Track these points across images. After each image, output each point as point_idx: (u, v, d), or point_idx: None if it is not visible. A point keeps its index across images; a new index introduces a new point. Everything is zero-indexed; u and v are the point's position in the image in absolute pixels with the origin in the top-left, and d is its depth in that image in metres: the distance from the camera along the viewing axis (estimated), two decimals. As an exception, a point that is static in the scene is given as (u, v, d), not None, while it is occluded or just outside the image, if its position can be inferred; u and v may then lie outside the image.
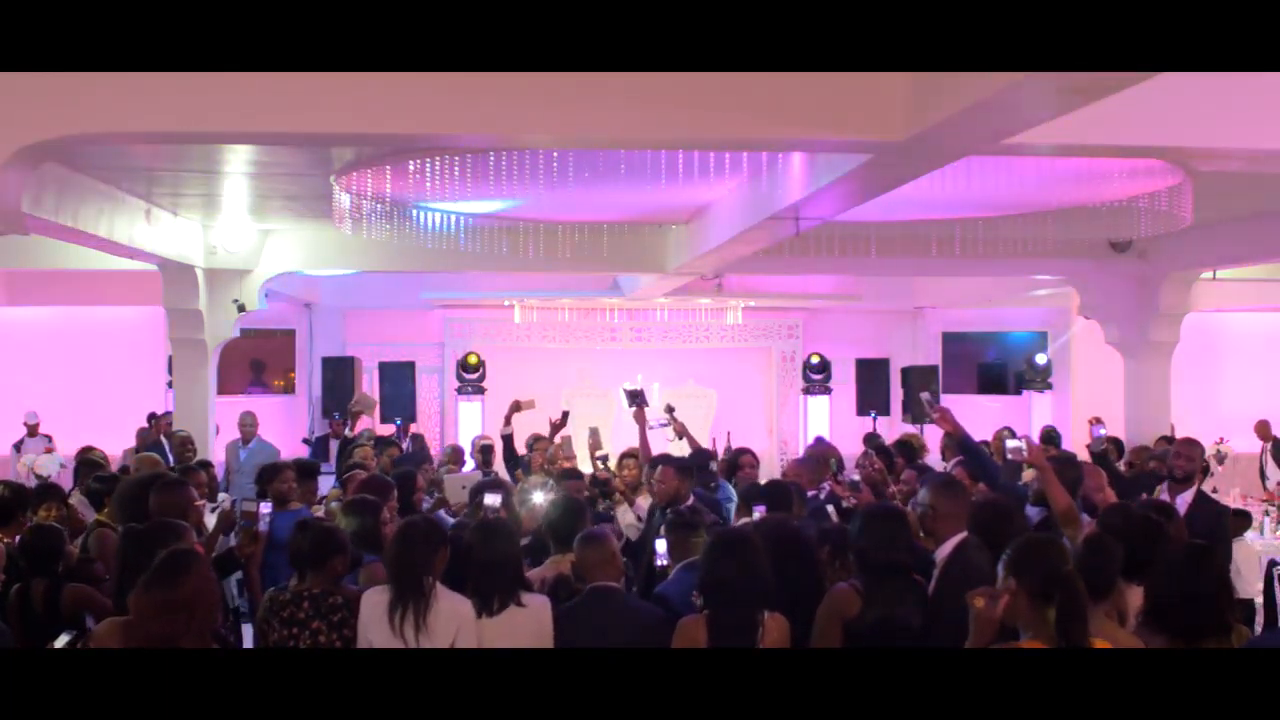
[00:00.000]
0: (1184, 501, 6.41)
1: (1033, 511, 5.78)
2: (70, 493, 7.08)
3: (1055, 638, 3.30)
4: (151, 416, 12.41)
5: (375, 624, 4.22)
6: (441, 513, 6.60)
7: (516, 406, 9.48)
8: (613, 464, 8.27)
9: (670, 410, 8.94)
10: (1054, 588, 3.34)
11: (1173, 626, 3.73)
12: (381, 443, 10.04)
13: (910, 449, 8.88)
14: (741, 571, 4.12)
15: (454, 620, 4.22)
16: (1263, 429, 12.84)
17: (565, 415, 10.06)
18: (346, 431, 8.28)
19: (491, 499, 5.60)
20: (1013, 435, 11.22)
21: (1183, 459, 6.63)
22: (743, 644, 3.99)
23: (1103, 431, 10.53)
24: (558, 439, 8.47)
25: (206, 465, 8.25)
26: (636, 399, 8.29)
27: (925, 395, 6.84)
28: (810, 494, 6.67)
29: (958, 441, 6.04)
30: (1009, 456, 5.88)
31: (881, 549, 4.38)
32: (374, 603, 4.27)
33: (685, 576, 4.69)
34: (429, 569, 4.25)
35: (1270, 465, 12.44)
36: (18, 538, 5.30)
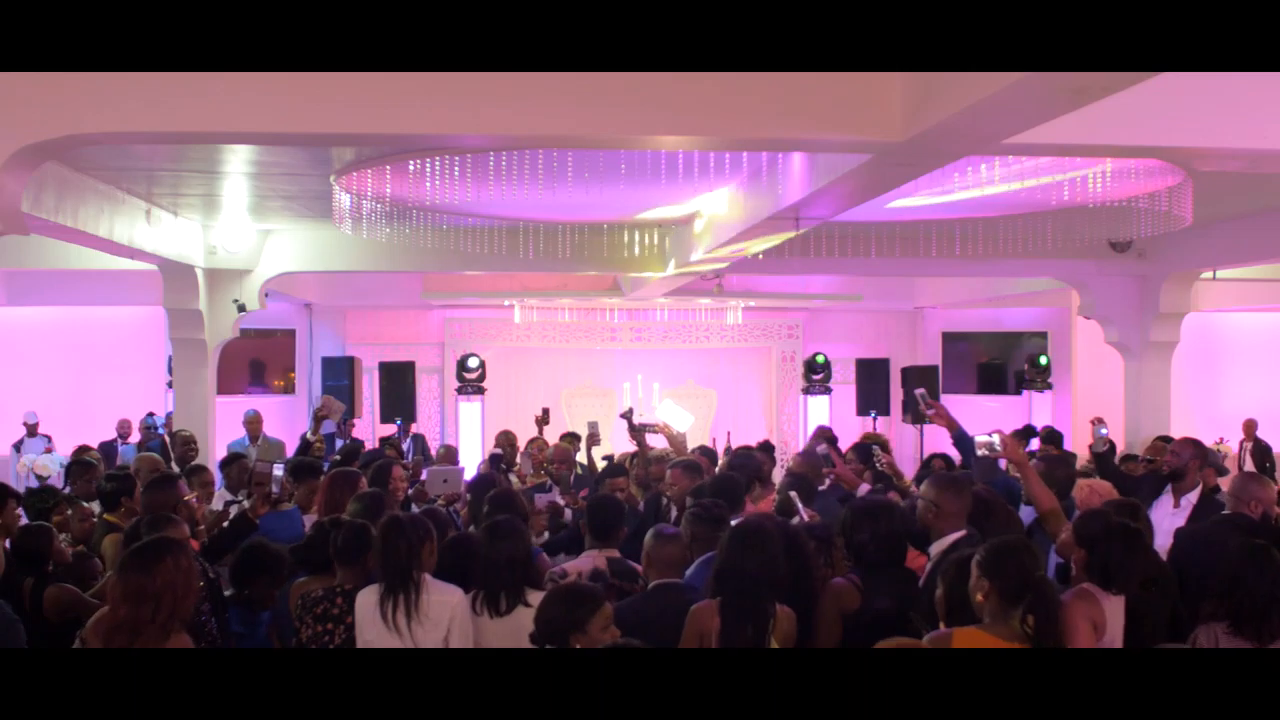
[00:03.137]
0: (1189, 502, 6.39)
1: (1026, 512, 5.73)
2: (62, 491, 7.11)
3: (1023, 637, 3.50)
4: (150, 416, 12.45)
5: (369, 622, 4.24)
6: (414, 507, 6.61)
7: None
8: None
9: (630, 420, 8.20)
10: (1025, 591, 3.55)
11: (1251, 628, 3.82)
12: (383, 443, 10.09)
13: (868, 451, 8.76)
14: (760, 563, 4.14)
15: (445, 610, 4.25)
16: (1249, 428, 12.96)
17: (546, 412, 10.08)
18: (308, 434, 8.28)
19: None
20: (1034, 434, 11.15)
21: (1170, 455, 6.65)
22: (756, 634, 4.03)
23: (1104, 431, 10.53)
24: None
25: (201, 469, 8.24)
26: (630, 425, 8.12)
27: (920, 391, 6.78)
28: (821, 488, 6.74)
29: (955, 437, 6.03)
30: (979, 453, 5.63)
31: (882, 544, 4.46)
32: (366, 603, 4.29)
33: (706, 571, 4.71)
34: (416, 562, 4.27)
35: (1248, 464, 12.50)
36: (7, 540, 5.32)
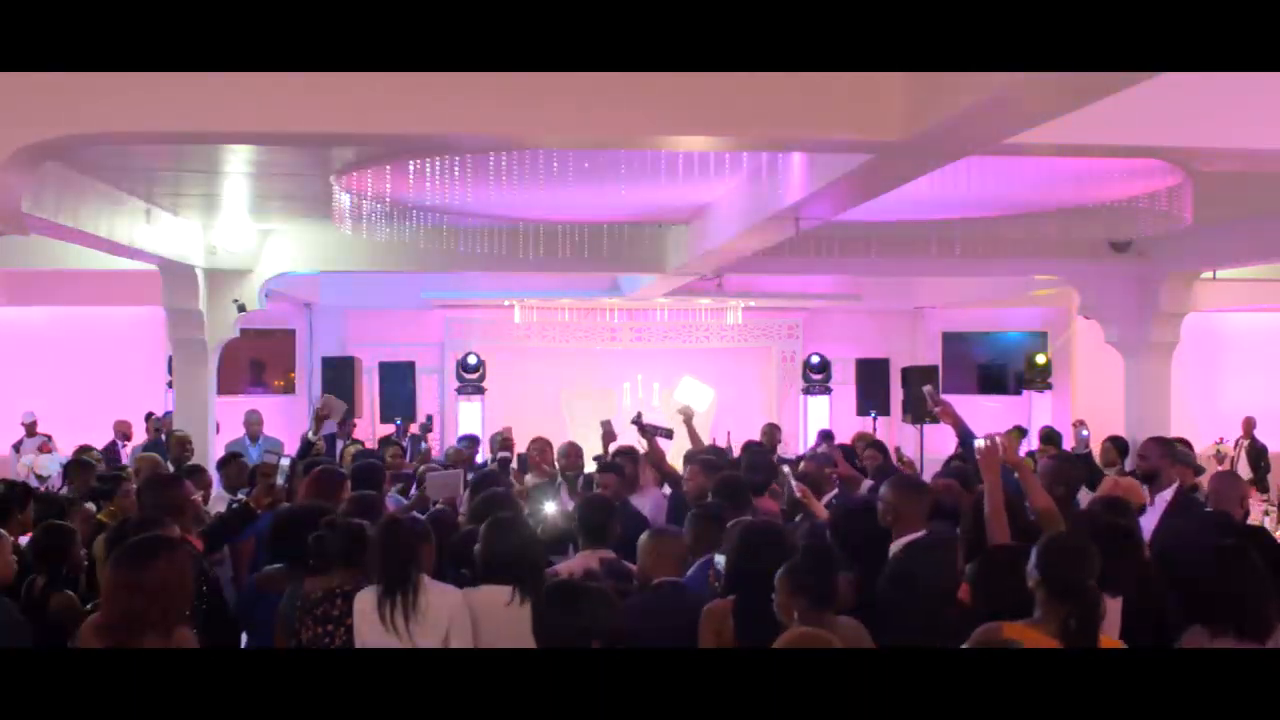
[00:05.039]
0: (1163, 500, 6.37)
1: None
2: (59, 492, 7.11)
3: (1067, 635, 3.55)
4: (149, 416, 12.44)
5: (367, 623, 4.23)
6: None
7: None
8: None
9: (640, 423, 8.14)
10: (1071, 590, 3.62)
11: (1223, 627, 3.78)
12: (383, 443, 10.09)
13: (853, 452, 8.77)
14: (774, 565, 4.14)
15: (444, 610, 4.23)
16: (1248, 425, 12.99)
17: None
18: (309, 435, 8.25)
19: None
20: (1024, 434, 11.13)
21: (1139, 458, 6.68)
22: (771, 633, 4.03)
23: (1086, 434, 10.56)
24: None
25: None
26: (640, 427, 8.11)
27: (928, 388, 6.75)
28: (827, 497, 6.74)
29: (960, 436, 6.02)
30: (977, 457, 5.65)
31: (876, 541, 4.52)
32: (364, 604, 4.27)
33: (703, 573, 4.71)
34: (415, 563, 4.27)
35: (1242, 463, 12.52)
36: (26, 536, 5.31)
